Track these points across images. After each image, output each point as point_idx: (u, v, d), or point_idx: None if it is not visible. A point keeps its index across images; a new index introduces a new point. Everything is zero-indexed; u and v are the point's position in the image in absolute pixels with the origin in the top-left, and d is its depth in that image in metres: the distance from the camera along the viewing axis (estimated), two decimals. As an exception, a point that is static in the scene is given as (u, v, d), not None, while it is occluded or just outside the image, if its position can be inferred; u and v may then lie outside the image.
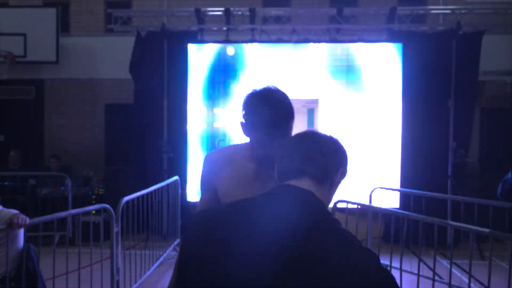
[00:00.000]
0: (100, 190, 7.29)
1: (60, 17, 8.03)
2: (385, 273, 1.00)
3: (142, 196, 4.91)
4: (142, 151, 7.16)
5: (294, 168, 1.20)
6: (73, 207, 6.41)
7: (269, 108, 1.64)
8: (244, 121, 1.71)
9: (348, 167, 1.33)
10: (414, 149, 6.68)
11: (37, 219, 3.55)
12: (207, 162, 1.86)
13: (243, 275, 1.00)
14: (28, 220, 3.38)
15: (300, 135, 1.30)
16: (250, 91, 1.72)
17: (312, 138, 1.28)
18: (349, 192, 6.55)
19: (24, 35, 7.90)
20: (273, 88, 1.73)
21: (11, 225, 3.28)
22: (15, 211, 3.69)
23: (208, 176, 1.83)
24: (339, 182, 1.29)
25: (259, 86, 1.73)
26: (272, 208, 1.10)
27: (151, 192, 5.21)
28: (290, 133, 1.68)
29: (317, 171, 1.20)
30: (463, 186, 6.52)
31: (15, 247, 3.54)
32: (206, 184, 1.85)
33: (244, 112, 1.70)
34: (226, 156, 1.83)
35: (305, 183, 1.18)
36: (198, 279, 1.05)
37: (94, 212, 7.25)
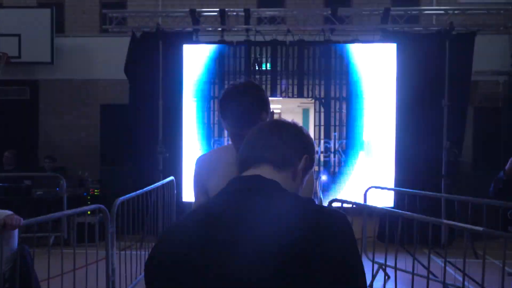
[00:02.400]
0: (96, 190, 7.30)
1: (55, 17, 8.02)
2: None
3: (138, 196, 4.91)
4: (137, 151, 7.16)
5: (254, 155, 1.18)
6: (68, 208, 6.40)
7: (236, 99, 1.68)
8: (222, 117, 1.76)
9: (315, 156, 1.29)
10: (408, 149, 6.73)
11: (31, 220, 3.52)
12: (198, 165, 1.88)
13: (243, 275, 0.99)
14: (22, 221, 3.35)
15: (262, 124, 1.29)
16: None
17: (274, 126, 1.26)
18: (344, 192, 6.61)
19: (18, 35, 7.89)
20: (245, 81, 1.78)
21: (5, 226, 3.24)
22: (9, 212, 3.67)
23: (200, 178, 1.86)
24: (306, 171, 1.23)
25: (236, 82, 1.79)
26: (261, 207, 1.08)
27: (146, 193, 5.21)
28: None
29: (276, 156, 1.17)
30: (456, 185, 6.57)
31: (9, 248, 3.52)
32: (198, 187, 1.87)
33: (220, 108, 1.75)
34: (216, 158, 1.85)
35: (264, 170, 1.15)
36: (193, 281, 1.02)
37: (89, 212, 7.27)
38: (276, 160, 1.17)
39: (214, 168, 1.82)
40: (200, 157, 1.92)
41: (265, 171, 1.15)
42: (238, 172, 1.20)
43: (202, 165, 1.87)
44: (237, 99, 1.69)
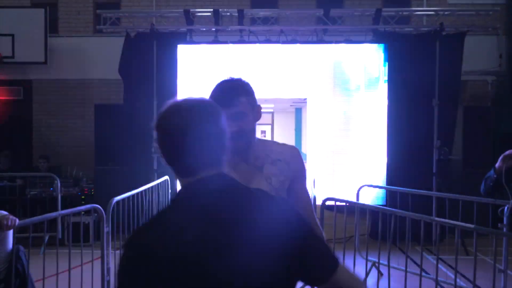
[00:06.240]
0: (90, 190, 7.31)
1: (49, 17, 8.00)
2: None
3: (132, 196, 4.95)
4: (132, 151, 7.17)
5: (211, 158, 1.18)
6: (63, 208, 6.41)
7: (217, 88, 1.73)
8: None
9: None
10: (400, 147, 6.83)
11: (26, 220, 3.50)
12: None
13: (245, 271, 1.06)
14: (17, 221, 3.35)
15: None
16: None
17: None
18: (337, 190, 6.69)
19: (12, 35, 7.85)
20: (232, 77, 1.80)
21: (0, 227, 3.26)
22: (4, 213, 3.68)
23: None
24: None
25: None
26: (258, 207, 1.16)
27: (141, 192, 5.25)
28: (246, 110, 1.71)
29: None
30: (447, 183, 6.69)
31: (4, 249, 3.52)
32: None
33: None
34: None
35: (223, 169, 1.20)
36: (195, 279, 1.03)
37: (83, 212, 7.30)
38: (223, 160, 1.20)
39: None
40: None
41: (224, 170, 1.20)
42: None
43: None
44: (218, 87, 1.74)
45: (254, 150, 1.78)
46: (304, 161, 1.94)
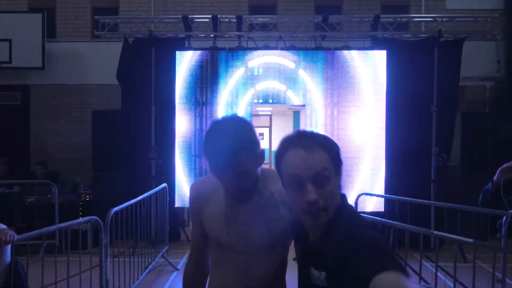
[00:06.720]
0: (88, 196, 7.29)
1: (46, 22, 7.99)
2: None
3: (131, 205, 4.93)
4: (130, 157, 7.16)
5: None
6: (60, 215, 6.40)
7: (215, 139, 1.54)
8: None
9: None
10: (398, 154, 6.83)
11: (25, 235, 3.40)
12: (192, 194, 1.79)
13: None
14: (16, 237, 3.32)
15: None
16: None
17: None
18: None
19: (9, 40, 7.84)
20: (231, 117, 1.59)
21: None
22: (3, 226, 3.66)
23: (194, 209, 1.77)
24: None
25: (222, 115, 1.65)
26: None
27: (139, 201, 5.24)
28: (248, 166, 1.55)
29: None
30: (445, 189, 6.69)
31: (3, 262, 3.50)
32: (193, 218, 1.80)
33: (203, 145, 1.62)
34: (211, 187, 1.72)
35: None
36: None
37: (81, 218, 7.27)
38: None
39: (209, 199, 1.73)
40: (195, 184, 1.83)
41: None
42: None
43: (196, 194, 1.78)
44: (217, 139, 1.53)
45: (259, 191, 1.66)
46: None
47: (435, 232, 3.22)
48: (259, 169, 1.61)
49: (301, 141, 1.32)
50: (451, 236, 3.18)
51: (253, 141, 1.57)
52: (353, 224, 1.29)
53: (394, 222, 3.84)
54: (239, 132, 1.54)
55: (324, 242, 1.29)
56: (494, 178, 3.01)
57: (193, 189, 1.79)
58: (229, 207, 1.66)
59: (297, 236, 1.53)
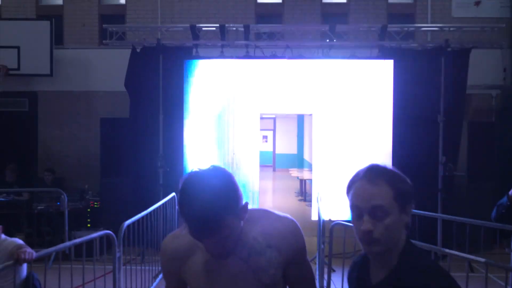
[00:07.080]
0: (96, 203, 7.35)
1: (54, 29, 8.03)
2: None
3: (142, 218, 5.00)
4: (137, 165, 7.20)
5: None
6: (69, 222, 6.45)
7: (192, 201, 1.34)
8: None
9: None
10: (405, 163, 6.81)
11: (42, 253, 3.44)
12: (166, 253, 1.58)
13: None
14: (34, 255, 3.34)
15: None
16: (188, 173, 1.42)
17: None
18: (343, 207, 6.71)
19: (17, 47, 7.89)
20: (207, 171, 1.40)
21: (18, 260, 3.23)
22: (19, 241, 3.70)
23: (170, 269, 1.59)
24: None
25: (199, 167, 1.42)
26: None
27: (150, 213, 5.31)
28: (231, 228, 1.39)
29: None
30: (452, 199, 6.72)
31: (19, 277, 3.54)
32: (168, 277, 1.63)
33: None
34: (187, 244, 1.54)
35: None
36: None
37: (89, 225, 7.34)
38: None
39: (189, 257, 1.55)
40: (167, 241, 1.60)
41: None
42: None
43: (170, 253, 1.57)
44: (192, 200, 1.34)
45: (241, 240, 1.49)
46: (302, 236, 1.60)
47: (447, 250, 3.25)
48: (241, 223, 1.45)
49: (368, 174, 1.39)
50: (462, 255, 3.22)
51: (235, 198, 1.39)
52: (424, 267, 1.32)
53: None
54: (220, 190, 1.35)
55: (391, 283, 1.33)
56: (510, 192, 3.02)
57: (165, 248, 1.59)
58: (210, 262, 1.51)
59: (358, 282, 1.50)
